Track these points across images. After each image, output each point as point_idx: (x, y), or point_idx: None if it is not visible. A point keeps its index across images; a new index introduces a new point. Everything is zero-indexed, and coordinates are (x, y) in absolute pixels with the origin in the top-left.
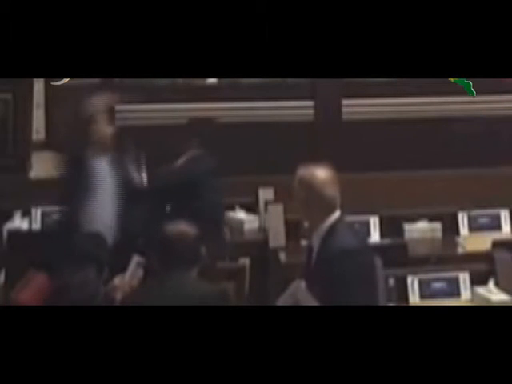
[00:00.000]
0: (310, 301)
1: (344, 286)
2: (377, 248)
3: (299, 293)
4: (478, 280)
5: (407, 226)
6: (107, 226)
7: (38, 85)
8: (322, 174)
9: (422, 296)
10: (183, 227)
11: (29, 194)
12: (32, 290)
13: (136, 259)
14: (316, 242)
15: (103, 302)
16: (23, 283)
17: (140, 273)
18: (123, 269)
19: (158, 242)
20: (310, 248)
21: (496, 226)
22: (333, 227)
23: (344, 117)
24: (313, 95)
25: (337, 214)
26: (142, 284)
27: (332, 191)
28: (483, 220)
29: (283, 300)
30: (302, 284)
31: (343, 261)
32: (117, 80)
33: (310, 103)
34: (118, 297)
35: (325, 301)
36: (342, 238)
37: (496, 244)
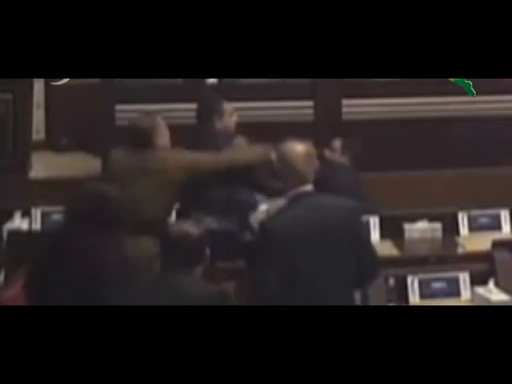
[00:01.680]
0: None
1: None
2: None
3: None
4: (478, 280)
5: (407, 226)
6: None
7: (38, 85)
8: (295, 148)
9: (422, 296)
10: (187, 227)
11: (29, 194)
12: (17, 289)
13: None
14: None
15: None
16: (12, 282)
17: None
18: None
19: (162, 241)
20: None
21: (496, 226)
22: (294, 198)
23: (344, 117)
24: (313, 95)
25: (308, 187)
26: (145, 284)
27: (303, 164)
28: (483, 220)
29: None
30: None
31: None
32: (117, 80)
33: (310, 103)
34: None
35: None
36: (284, 209)
37: (496, 244)
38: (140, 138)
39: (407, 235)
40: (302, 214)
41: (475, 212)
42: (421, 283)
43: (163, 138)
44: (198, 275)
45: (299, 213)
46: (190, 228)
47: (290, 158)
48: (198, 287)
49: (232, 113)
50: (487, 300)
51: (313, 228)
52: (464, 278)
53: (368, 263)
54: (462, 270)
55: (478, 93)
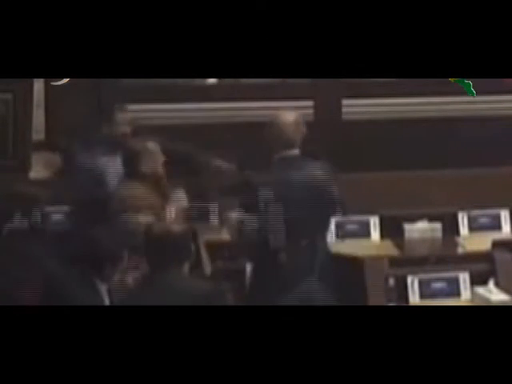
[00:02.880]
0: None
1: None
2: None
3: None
4: (478, 280)
5: (407, 226)
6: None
7: (38, 85)
8: (285, 116)
9: (422, 296)
10: (169, 224)
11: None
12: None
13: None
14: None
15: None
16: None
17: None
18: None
19: (145, 241)
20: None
21: (496, 226)
22: (284, 159)
23: (344, 117)
24: (313, 95)
25: (294, 151)
26: (135, 284)
27: (291, 131)
28: (483, 220)
29: None
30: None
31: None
32: (117, 80)
33: (310, 103)
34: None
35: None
36: (287, 167)
37: (496, 244)
38: (126, 164)
39: (407, 235)
40: (289, 174)
41: (475, 212)
42: (421, 283)
43: (150, 164)
44: (186, 272)
45: (287, 172)
46: (173, 225)
47: (280, 125)
48: (187, 284)
49: (127, 121)
50: (487, 300)
51: (298, 185)
52: (464, 278)
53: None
54: (462, 270)
55: (478, 93)
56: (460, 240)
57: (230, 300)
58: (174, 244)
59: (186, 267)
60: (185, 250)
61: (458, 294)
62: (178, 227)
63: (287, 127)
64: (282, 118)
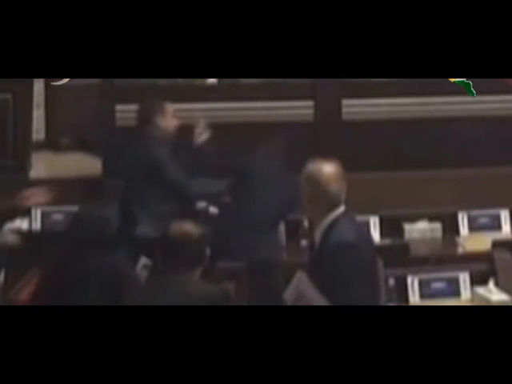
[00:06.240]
0: (312, 292)
1: (344, 280)
2: (377, 248)
3: (302, 284)
4: (478, 280)
5: (407, 226)
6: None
7: (38, 85)
8: (327, 169)
9: (422, 296)
10: (188, 227)
11: None
12: (32, 290)
13: (143, 261)
14: (318, 235)
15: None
16: (23, 283)
17: (145, 274)
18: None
19: (162, 241)
20: (312, 242)
21: (496, 226)
22: (335, 221)
23: (344, 117)
24: (313, 95)
25: (341, 209)
26: (145, 284)
27: (336, 187)
28: (483, 220)
29: (288, 293)
30: (304, 276)
31: (342, 254)
32: (117, 80)
33: (310, 103)
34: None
35: (326, 294)
36: (342, 232)
37: (496, 244)
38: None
39: (407, 235)
40: (351, 234)
41: (475, 212)
42: (421, 283)
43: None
44: (197, 275)
45: (349, 233)
46: (191, 228)
47: (322, 180)
48: (200, 287)
49: (173, 114)
50: (487, 300)
51: (359, 247)
52: (464, 277)
53: None
54: (462, 269)
55: (478, 93)
56: (460, 240)
57: (236, 302)
58: (189, 246)
59: (199, 271)
60: (199, 253)
61: (457, 294)
62: (195, 230)
63: (331, 183)
64: (324, 173)
